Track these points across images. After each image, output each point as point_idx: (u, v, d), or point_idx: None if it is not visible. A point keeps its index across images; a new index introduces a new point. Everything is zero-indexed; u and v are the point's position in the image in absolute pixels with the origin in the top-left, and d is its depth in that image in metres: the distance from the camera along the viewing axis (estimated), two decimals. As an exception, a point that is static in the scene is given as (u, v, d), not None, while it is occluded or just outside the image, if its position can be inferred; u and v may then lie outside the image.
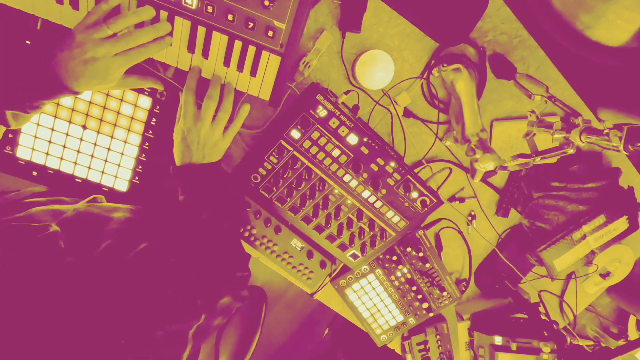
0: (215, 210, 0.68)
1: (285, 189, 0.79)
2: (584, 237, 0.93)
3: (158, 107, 0.75)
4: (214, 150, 0.69)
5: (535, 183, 0.94)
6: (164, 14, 0.63)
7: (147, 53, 0.60)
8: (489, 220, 0.99)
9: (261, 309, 1.16)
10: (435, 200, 0.81)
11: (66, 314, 0.46)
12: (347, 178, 0.78)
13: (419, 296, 0.96)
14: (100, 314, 0.48)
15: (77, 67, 0.56)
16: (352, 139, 0.74)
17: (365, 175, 0.78)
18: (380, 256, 0.92)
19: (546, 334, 0.97)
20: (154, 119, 0.75)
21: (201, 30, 0.65)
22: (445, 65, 0.79)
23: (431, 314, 0.98)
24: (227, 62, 0.68)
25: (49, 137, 0.74)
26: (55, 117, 0.73)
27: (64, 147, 0.75)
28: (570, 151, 0.69)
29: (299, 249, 0.88)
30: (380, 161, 0.77)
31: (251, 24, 0.64)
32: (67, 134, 0.74)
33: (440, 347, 1.01)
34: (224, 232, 0.69)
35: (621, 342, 1.19)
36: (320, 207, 0.80)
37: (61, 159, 0.75)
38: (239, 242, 0.75)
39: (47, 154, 0.75)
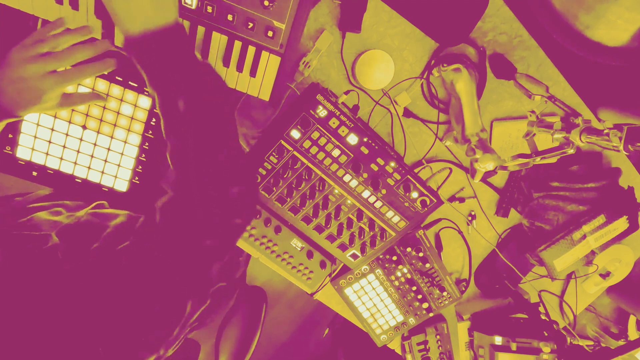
0: (188, 89, 0.54)
1: (285, 189, 0.79)
2: (584, 237, 0.93)
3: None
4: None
5: (535, 183, 0.94)
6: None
7: (85, 73, 0.57)
8: (489, 220, 0.99)
9: (261, 309, 1.16)
10: (435, 200, 0.81)
11: (56, 320, 0.45)
12: (347, 178, 0.78)
13: (419, 296, 0.96)
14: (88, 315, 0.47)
15: (7, 87, 0.54)
16: (352, 139, 0.74)
17: (365, 175, 0.78)
18: (380, 256, 0.92)
19: (546, 334, 0.97)
20: (153, 119, 0.75)
21: (200, 30, 0.65)
22: (445, 65, 0.79)
23: (431, 314, 0.98)
24: (226, 63, 0.68)
25: (49, 137, 0.74)
26: (55, 117, 0.73)
27: (64, 147, 0.75)
28: (570, 151, 0.69)
29: (299, 249, 0.88)
30: (380, 161, 0.77)
31: (251, 24, 0.64)
32: (67, 134, 0.74)
33: (440, 347, 1.01)
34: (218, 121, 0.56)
35: (621, 342, 1.19)
36: (320, 207, 0.80)
37: (61, 159, 0.76)
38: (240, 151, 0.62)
39: (47, 154, 0.75)
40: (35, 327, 0.44)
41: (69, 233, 0.59)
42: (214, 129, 0.55)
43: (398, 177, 0.78)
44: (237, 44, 0.67)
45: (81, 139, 0.75)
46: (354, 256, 0.87)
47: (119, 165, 0.78)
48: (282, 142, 0.74)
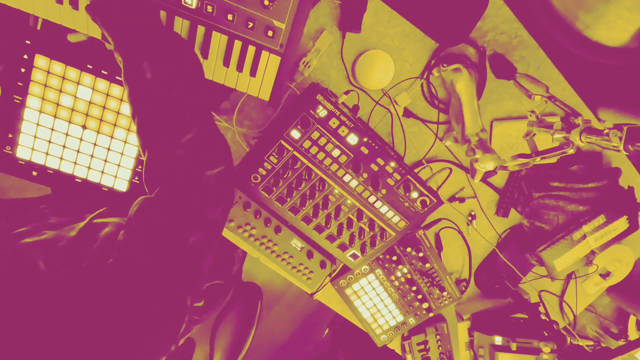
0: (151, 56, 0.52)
1: (285, 189, 0.79)
2: (584, 237, 0.93)
3: (158, 107, 0.75)
4: None
5: (535, 183, 0.94)
6: (163, 14, 0.63)
7: None
8: (489, 220, 0.98)
9: (256, 305, 1.16)
10: (435, 200, 0.81)
11: (59, 345, 0.44)
12: (347, 178, 0.78)
13: (419, 296, 0.96)
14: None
15: None
16: (352, 139, 0.74)
17: (365, 175, 0.78)
18: (380, 256, 0.92)
19: (546, 334, 0.97)
20: (153, 119, 0.75)
21: (200, 30, 0.65)
22: (445, 65, 0.79)
23: (431, 314, 0.98)
24: (226, 62, 0.68)
25: (49, 137, 0.74)
26: (55, 117, 0.73)
27: (64, 147, 0.75)
28: (570, 151, 0.69)
29: (299, 249, 0.88)
30: (380, 161, 0.77)
31: (251, 24, 0.64)
32: (67, 134, 0.74)
33: (440, 347, 1.01)
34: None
35: (621, 342, 1.19)
36: (320, 207, 0.80)
37: (61, 159, 0.76)
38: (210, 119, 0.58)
39: (47, 154, 0.75)
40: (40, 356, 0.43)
41: (58, 256, 0.57)
42: (181, 99, 0.53)
43: (398, 177, 0.78)
44: (237, 44, 0.67)
45: (81, 139, 0.75)
46: (354, 256, 0.87)
47: (119, 165, 0.78)
48: (282, 142, 0.74)
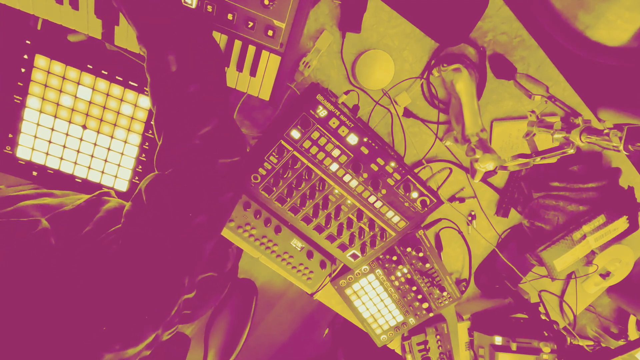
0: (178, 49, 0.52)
1: (285, 189, 0.79)
2: (584, 237, 0.93)
3: (158, 107, 0.75)
4: None
5: (535, 183, 0.94)
6: None
7: None
8: (489, 220, 0.98)
9: (251, 302, 1.15)
10: (435, 200, 0.81)
11: (54, 305, 0.45)
12: (347, 178, 0.78)
13: (419, 296, 0.96)
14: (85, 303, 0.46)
15: None
16: (352, 139, 0.74)
17: (365, 175, 0.78)
18: (380, 256, 0.92)
19: (546, 334, 0.97)
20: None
21: (201, 30, 0.65)
22: (445, 65, 0.79)
23: (431, 314, 0.98)
24: (226, 62, 0.68)
25: (49, 137, 0.74)
26: (55, 117, 0.73)
27: (64, 147, 0.75)
28: (570, 151, 0.69)
29: (299, 249, 0.88)
30: (380, 161, 0.77)
31: (251, 24, 0.64)
32: (67, 134, 0.74)
33: (440, 347, 1.01)
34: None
35: (621, 342, 1.19)
36: (320, 207, 0.80)
37: (61, 159, 0.76)
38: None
39: (47, 154, 0.75)
40: (33, 313, 0.44)
41: (61, 219, 0.58)
42: (203, 94, 0.54)
43: (398, 177, 0.78)
44: (237, 44, 0.67)
45: (81, 139, 0.75)
46: (354, 256, 0.87)
47: (119, 165, 0.78)
48: (282, 142, 0.74)
